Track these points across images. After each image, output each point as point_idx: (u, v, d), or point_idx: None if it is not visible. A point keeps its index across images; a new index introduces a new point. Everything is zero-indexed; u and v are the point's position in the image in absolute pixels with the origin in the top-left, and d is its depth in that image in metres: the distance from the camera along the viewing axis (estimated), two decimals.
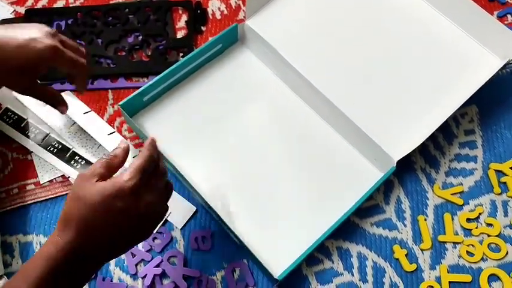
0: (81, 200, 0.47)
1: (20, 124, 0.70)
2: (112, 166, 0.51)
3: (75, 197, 0.48)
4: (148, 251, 0.64)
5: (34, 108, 0.71)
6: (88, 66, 0.62)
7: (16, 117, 0.71)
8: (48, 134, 0.70)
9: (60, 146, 0.69)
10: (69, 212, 0.48)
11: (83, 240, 0.47)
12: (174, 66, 0.70)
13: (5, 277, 0.62)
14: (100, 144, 0.69)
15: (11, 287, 0.49)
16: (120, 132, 0.71)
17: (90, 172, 0.49)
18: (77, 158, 0.69)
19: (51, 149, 0.69)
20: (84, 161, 0.68)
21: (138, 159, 0.50)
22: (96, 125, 0.70)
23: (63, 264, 0.46)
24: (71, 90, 0.73)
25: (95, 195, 0.47)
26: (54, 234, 0.48)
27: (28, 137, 0.70)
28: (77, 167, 0.68)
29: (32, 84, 0.60)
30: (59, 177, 0.68)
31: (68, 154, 0.69)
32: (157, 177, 0.53)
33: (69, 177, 0.68)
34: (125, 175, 0.49)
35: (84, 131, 0.70)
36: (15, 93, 0.71)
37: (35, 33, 0.56)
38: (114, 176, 0.50)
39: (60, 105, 0.63)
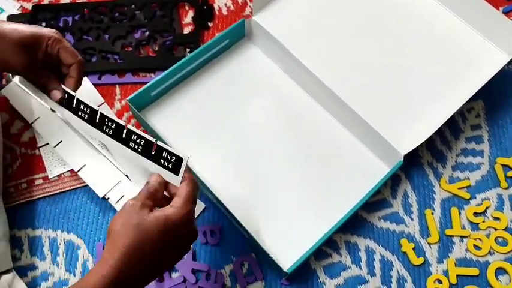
0: (137, 229, 0.49)
1: None
2: (157, 198, 0.53)
3: (131, 224, 0.49)
4: None
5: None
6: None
7: None
8: None
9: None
10: (121, 238, 0.49)
11: (130, 266, 0.49)
12: (181, 61, 0.70)
13: (14, 271, 0.62)
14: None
15: None
16: None
17: (142, 203, 0.51)
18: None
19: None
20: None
21: (186, 186, 0.53)
22: None
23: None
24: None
25: (152, 226, 0.50)
26: (104, 256, 0.49)
27: None
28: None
29: (33, 63, 0.60)
30: (67, 171, 0.68)
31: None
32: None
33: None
34: (177, 203, 0.52)
35: None
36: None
37: (40, 27, 0.61)
38: None
39: (55, 89, 0.61)
